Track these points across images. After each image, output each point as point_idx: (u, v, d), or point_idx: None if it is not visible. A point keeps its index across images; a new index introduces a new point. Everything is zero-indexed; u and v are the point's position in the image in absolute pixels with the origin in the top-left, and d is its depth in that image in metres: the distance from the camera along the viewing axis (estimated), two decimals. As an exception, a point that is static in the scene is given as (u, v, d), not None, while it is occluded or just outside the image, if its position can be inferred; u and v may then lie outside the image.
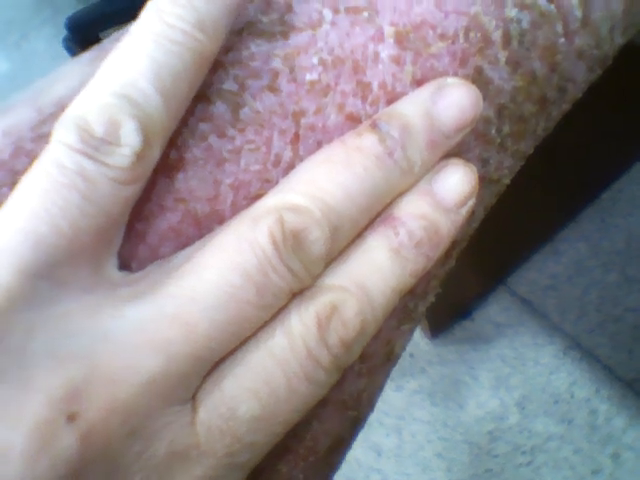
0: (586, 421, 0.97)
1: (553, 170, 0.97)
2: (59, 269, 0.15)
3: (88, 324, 0.15)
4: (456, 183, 0.18)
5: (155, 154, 0.16)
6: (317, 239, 0.16)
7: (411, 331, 0.21)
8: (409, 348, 1.02)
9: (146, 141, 0.16)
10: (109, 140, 0.15)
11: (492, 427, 0.99)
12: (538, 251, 1.08)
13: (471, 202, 0.18)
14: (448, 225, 0.18)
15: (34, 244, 0.15)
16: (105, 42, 0.19)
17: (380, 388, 0.21)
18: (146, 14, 0.17)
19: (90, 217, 0.15)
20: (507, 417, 0.99)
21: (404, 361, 1.02)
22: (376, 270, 0.17)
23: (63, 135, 0.16)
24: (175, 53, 0.16)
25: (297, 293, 0.17)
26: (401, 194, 0.18)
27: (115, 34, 0.19)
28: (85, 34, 1.43)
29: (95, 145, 0.15)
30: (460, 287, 1.04)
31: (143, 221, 0.17)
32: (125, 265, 0.17)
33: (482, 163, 0.20)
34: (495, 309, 1.07)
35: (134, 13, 0.19)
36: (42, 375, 0.14)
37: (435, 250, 0.18)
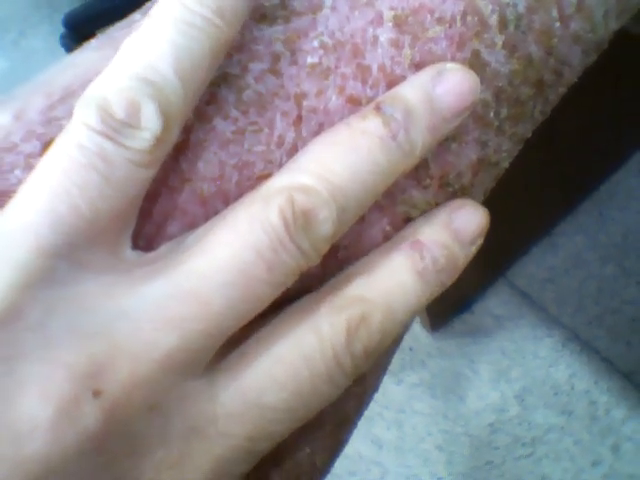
0: (586, 413, 0.97)
1: (550, 163, 0.97)
2: (77, 250, 0.15)
3: (106, 303, 0.15)
4: (471, 222, 0.20)
5: (173, 138, 0.17)
6: (325, 219, 0.17)
7: (411, 321, 0.21)
8: (409, 341, 1.03)
9: (165, 125, 0.16)
10: (130, 123, 0.16)
11: (492, 419, 0.99)
12: (536, 244, 1.08)
13: (480, 241, 0.20)
14: (463, 258, 0.19)
15: (54, 224, 0.15)
16: (112, 30, 0.20)
17: (384, 369, 0.21)
18: None
19: (108, 198, 0.16)
20: (507, 409, 1.00)
21: (404, 354, 1.03)
22: (401, 288, 0.18)
23: (84, 115, 0.16)
24: (195, 38, 0.16)
25: (304, 272, 0.17)
26: (403, 175, 0.19)
27: (121, 23, 0.19)
28: (82, 31, 1.43)
29: (115, 127, 0.16)
30: (460, 280, 1.03)
31: (151, 201, 0.17)
32: (135, 245, 0.17)
33: (481, 146, 0.20)
34: (494, 302, 1.07)
35: (131, 10, 0.20)
36: (65, 351, 0.15)
37: (450, 278, 0.19)
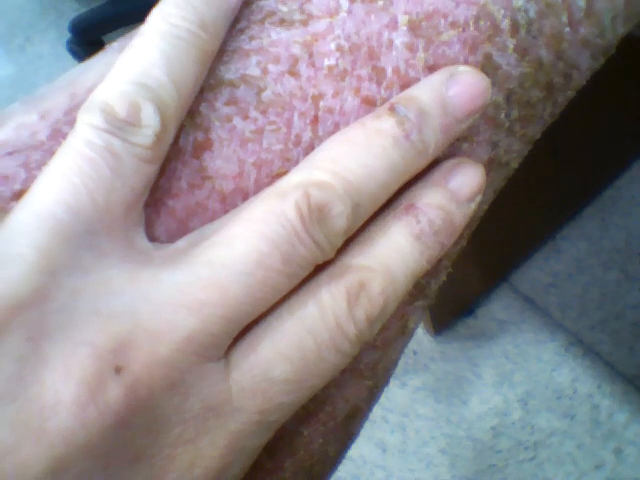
0: (588, 416, 0.97)
1: (554, 169, 0.98)
2: (97, 239, 0.16)
3: (129, 288, 0.16)
4: (467, 180, 0.20)
5: (170, 137, 0.18)
6: (340, 214, 0.17)
7: (424, 308, 0.22)
8: (413, 345, 1.03)
9: (163, 123, 0.17)
10: (132, 121, 0.17)
11: (495, 423, 0.99)
12: (540, 249, 1.08)
13: (479, 197, 0.20)
14: (460, 216, 0.19)
15: (74, 213, 0.16)
16: (132, 34, 0.20)
17: (395, 362, 0.22)
18: (152, 18, 0.18)
19: (119, 191, 0.17)
20: (510, 413, 1.00)
21: (408, 358, 1.03)
22: (399, 253, 0.19)
23: (89, 118, 0.17)
24: (182, 48, 0.18)
25: (319, 265, 0.18)
26: (417, 175, 0.19)
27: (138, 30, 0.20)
28: (89, 37, 1.45)
29: (119, 125, 0.17)
30: (463, 285, 1.04)
31: (174, 198, 0.18)
32: (157, 239, 0.18)
33: (492, 146, 0.21)
34: (498, 306, 1.07)
35: (137, 16, 0.21)
36: (89, 331, 0.15)
37: (450, 238, 0.19)
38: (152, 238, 0.18)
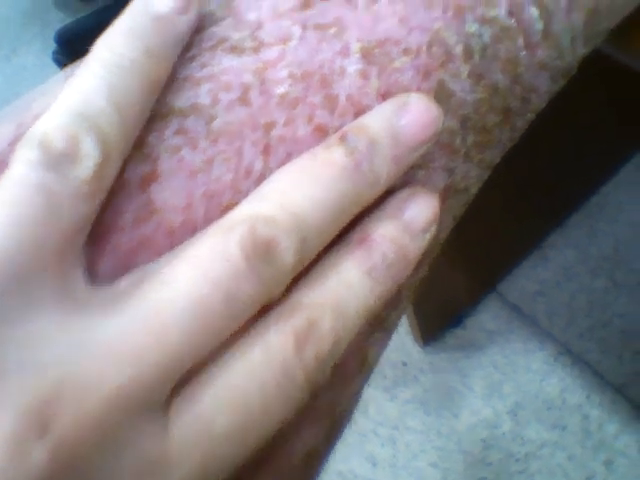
0: (579, 427, 0.97)
1: (540, 176, 0.98)
2: (27, 284, 0.15)
3: (59, 337, 0.15)
4: (422, 211, 0.19)
5: (113, 169, 0.17)
6: (286, 249, 0.17)
7: (384, 340, 0.21)
8: (401, 356, 1.03)
9: (104, 155, 0.17)
10: (70, 154, 0.16)
11: (485, 435, 0.99)
12: (527, 257, 1.08)
13: (434, 228, 0.19)
14: (414, 249, 0.19)
15: (1, 258, 0.15)
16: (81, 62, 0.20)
17: (355, 399, 0.21)
18: (96, 48, 0.18)
19: (53, 230, 0.16)
20: (500, 425, 0.99)
21: (397, 370, 1.03)
22: (350, 289, 0.18)
23: (25, 152, 0.16)
24: (126, 76, 0.17)
25: (266, 305, 0.17)
26: (368, 207, 0.19)
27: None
28: (74, 47, 1.44)
29: (57, 159, 0.16)
30: (451, 294, 1.04)
31: (118, 233, 0.18)
32: (101, 278, 0.17)
33: (448, 173, 0.20)
34: (486, 316, 1.07)
35: None
36: (13, 389, 0.14)
37: (403, 272, 0.19)
38: (95, 277, 0.17)
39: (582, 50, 0.22)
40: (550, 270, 1.08)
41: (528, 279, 1.08)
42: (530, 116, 0.22)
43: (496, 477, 0.98)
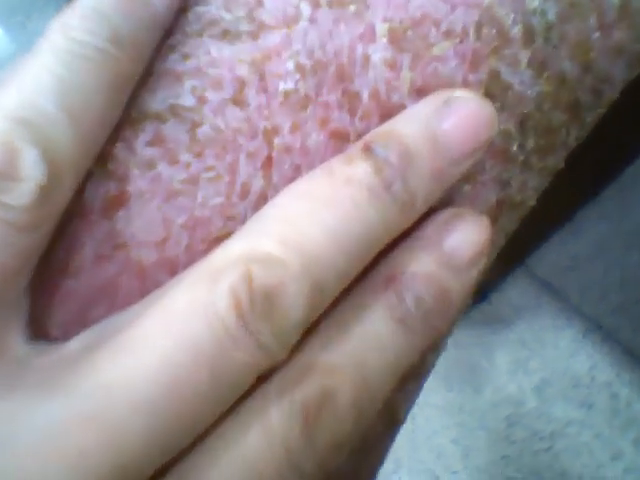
0: (607, 405, 0.96)
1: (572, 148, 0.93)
2: None
3: None
4: (468, 239, 0.15)
5: (64, 191, 0.13)
6: (294, 301, 0.13)
7: (417, 391, 0.18)
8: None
9: (52, 173, 0.13)
10: (5, 173, 0.12)
11: (509, 412, 0.98)
12: (557, 231, 1.05)
13: (483, 260, 0.15)
14: (458, 289, 0.15)
15: None
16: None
17: (380, 462, 0.17)
18: (50, 30, 0.14)
19: None
20: (525, 402, 0.99)
21: (419, 346, 1.01)
22: (376, 346, 0.14)
23: None
24: (86, 71, 0.13)
25: (266, 373, 0.13)
26: (400, 243, 0.15)
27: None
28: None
29: None
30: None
31: (73, 275, 0.14)
32: (48, 334, 0.13)
33: (502, 185, 0.16)
34: (514, 292, 1.05)
35: None
36: None
37: (445, 320, 0.15)
38: (40, 332, 0.13)
39: (665, 28, 0.18)
40: (582, 244, 1.06)
41: (559, 253, 1.06)
42: (601, 111, 0.18)
43: (519, 455, 0.98)
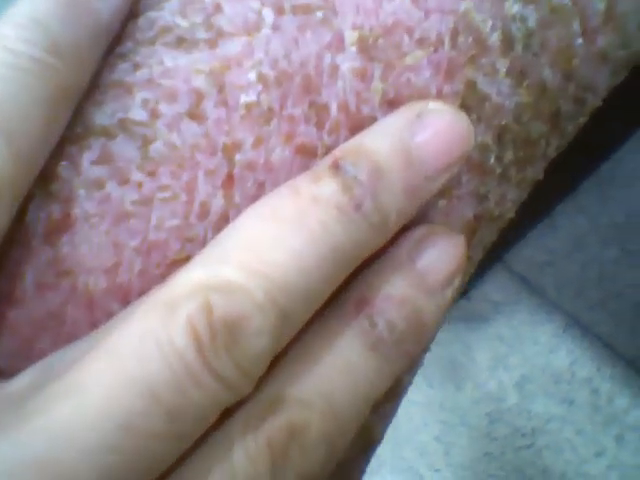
0: (588, 401, 0.96)
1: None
2: None
3: None
4: (442, 258, 0.14)
5: (2, 214, 0.12)
6: (259, 330, 0.12)
7: (394, 409, 0.17)
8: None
9: None
10: None
11: (491, 409, 0.98)
12: (535, 227, 1.05)
13: (458, 280, 0.14)
14: (433, 311, 0.14)
15: None
16: None
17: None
18: None
19: None
20: (506, 398, 0.99)
21: (399, 344, 1.01)
22: (347, 375, 0.13)
23: None
24: (22, 83, 0.12)
25: (231, 408, 0.12)
26: (370, 263, 0.14)
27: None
28: None
29: None
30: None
31: (14, 306, 0.12)
32: None
33: (479, 200, 0.15)
34: (492, 288, 1.05)
35: None
36: None
37: (419, 345, 0.14)
38: None
39: (650, 32, 0.17)
40: (559, 239, 1.06)
41: (536, 249, 1.06)
42: (583, 120, 0.17)
43: (502, 452, 0.98)
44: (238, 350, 0.12)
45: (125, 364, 0.11)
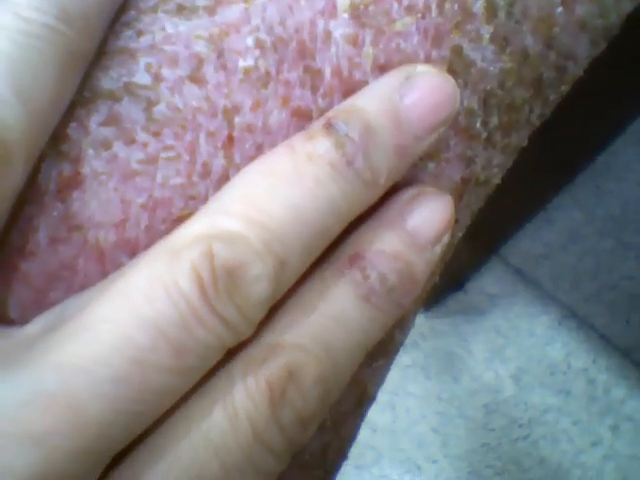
0: (584, 392, 0.96)
1: (544, 135, 0.94)
2: None
3: None
4: (431, 217, 0.15)
5: (14, 174, 0.13)
6: (258, 277, 0.13)
7: (386, 366, 0.17)
8: (401, 323, 1.01)
9: (2, 154, 0.12)
10: None
11: (487, 400, 0.98)
12: (531, 220, 1.05)
13: (446, 237, 0.15)
14: (422, 266, 0.15)
15: None
16: None
17: (351, 439, 0.17)
18: None
19: None
20: (502, 390, 0.99)
21: (396, 336, 1.01)
22: (341, 323, 0.14)
23: None
24: (34, 48, 0.13)
25: (233, 348, 0.13)
26: (366, 210, 0.15)
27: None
28: None
29: None
30: (453, 259, 1.01)
31: (29, 258, 0.13)
32: (6, 317, 0.13)
33: (466, 163, 0.16)
34: (488, 280, 1.05)
35: None
36: None
37: (409, 296, 0.15)
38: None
39: (628, 6, 0.18)
40: (555, 232, 1.06)
41: (532, 241, 1.06)
42: (565, 88, 0.18)
43: (498, 443, 0.98)
44: (239, 294, 0.13)
45: (134, 304, 0.12)
